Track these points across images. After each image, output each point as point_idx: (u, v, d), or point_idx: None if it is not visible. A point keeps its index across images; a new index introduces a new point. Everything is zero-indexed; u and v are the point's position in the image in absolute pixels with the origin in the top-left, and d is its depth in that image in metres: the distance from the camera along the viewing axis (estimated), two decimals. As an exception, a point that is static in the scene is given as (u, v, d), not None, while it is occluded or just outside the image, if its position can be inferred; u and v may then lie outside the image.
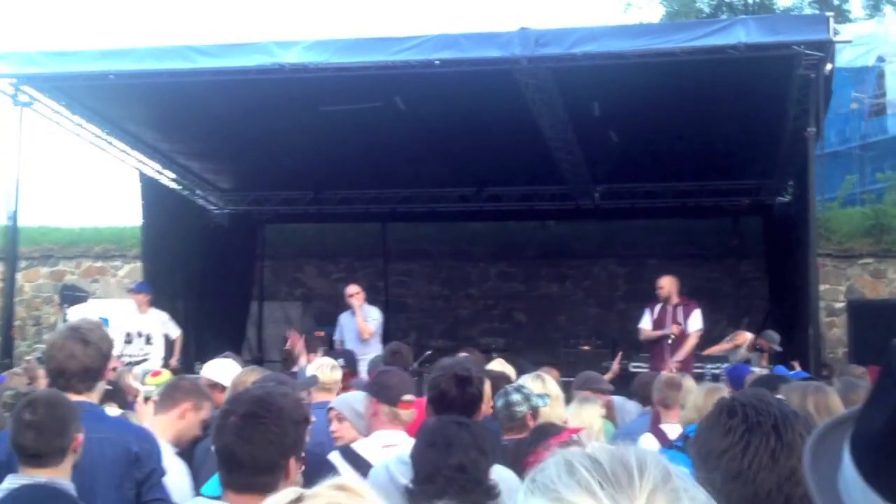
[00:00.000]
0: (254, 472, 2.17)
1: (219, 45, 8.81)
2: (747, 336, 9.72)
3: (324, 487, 1.31)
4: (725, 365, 9.20)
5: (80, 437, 2.74)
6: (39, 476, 2.63)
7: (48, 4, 47.46)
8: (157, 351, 9.82)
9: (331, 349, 11.00)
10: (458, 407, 3.27)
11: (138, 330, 9.73)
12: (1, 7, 41.24)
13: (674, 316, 8.96)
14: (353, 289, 9.82)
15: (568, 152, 10.49)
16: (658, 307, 9.11)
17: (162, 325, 10.02)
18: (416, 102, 9.21)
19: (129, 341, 9.67)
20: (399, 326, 13.08)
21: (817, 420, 3.11)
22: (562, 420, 4.28)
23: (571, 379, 8.65)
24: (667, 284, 9.08)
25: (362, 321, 9.47)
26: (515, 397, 3.93)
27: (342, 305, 10.26)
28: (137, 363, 8.92)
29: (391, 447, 3.50)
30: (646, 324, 9.19)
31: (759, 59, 7.67)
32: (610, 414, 5.65)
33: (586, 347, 11.24)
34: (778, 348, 9.51)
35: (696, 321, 9.00)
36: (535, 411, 3.97)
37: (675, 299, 9.05)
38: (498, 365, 5.85)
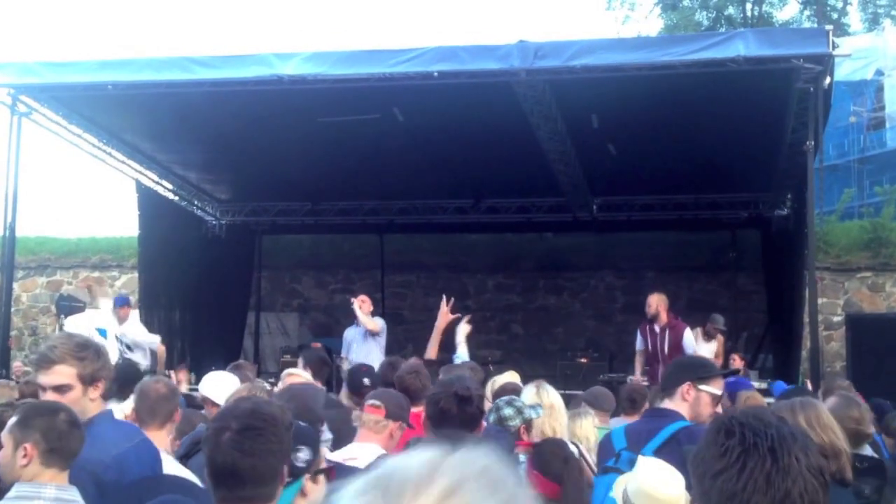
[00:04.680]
0: (257, 484, 2.17)
1: (217, 57, 8.80)
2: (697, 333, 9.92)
3: None
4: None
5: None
6: (49, 484, 2.64)
7: (47, 15, 47.58)
8: (139, 361, 9.77)
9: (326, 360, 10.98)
10: (458, 425, 3.22)
11: (122, 334, 9.71)
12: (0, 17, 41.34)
13: (662, 337, 8.89)
14: (363, 297, 9.77)
15: (566, 164, 10.49)
16: (647, 328, 9.08)
17: (138, 333, 9.96)
18: (415, 114, 9.21)
19: (117, 344, 9.68)
20: (396, 338, 13.01)
21: (813, 435, 3.08)
22: (561, 431, 4.24)
23: (567, 392, 8.69)
24: (654, 302, 8.97)
25: (367, 319, 9.33)
26: (508, 411, 3.86)
27: (339, 317, 10.21)
28: None
29: (350, 461, 3.48)
30: (639, 346, 9.21)
31: (758, 72, 7.67)
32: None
33: (584, 360, 11.20)
34: (721, 328, 9.87)
35: (690, 343, 8.92)
36: (528, 424, 3.92)
37: (663, 318, 8.92)
38: (510, 377, 5.77)
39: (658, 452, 3.28)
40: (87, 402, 2.97)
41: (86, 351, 2.98)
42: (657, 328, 8.96)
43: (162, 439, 3.61)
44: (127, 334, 9.75)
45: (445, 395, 3.31)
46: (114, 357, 8.85)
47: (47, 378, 2.92)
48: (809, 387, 7.26)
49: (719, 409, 3.91)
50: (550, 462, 3.09)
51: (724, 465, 1.51)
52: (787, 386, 6.47)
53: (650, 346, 8.99)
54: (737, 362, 10.59)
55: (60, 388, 2.91)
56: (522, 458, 3.81)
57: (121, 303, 10.18)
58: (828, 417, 3.24)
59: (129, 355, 9.56)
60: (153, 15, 51.63)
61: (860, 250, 12.75)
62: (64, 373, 2.91)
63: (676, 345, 8.82)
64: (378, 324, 9.37)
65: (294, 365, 10.88)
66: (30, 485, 2.64)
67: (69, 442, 2.68)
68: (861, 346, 10.28)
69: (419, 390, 4.75)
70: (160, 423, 3.66)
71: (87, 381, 2.96)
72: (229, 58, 8.79)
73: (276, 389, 6.80)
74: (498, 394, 4.94)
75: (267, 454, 2.19)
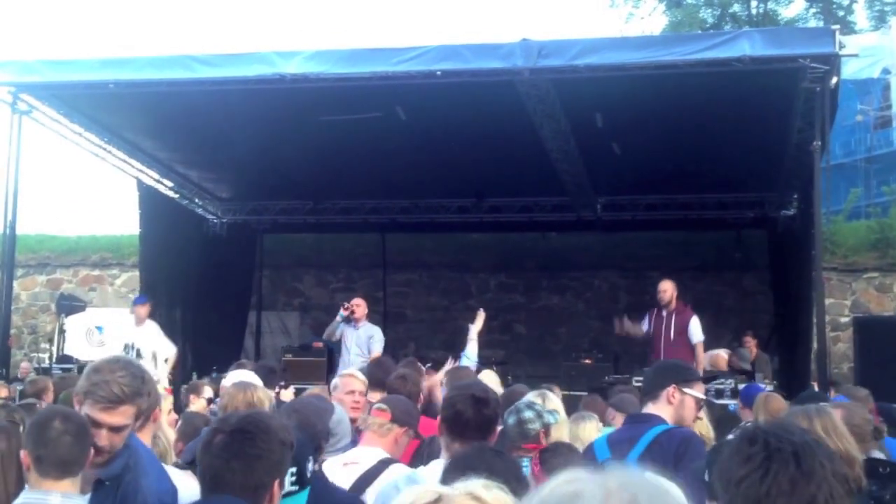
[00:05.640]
0: (240, 490, 2.12)
1: (219, 55, 8.74)
2: (724, 357, 9.75)
3: (459, 493, 1.34)
4: (729, 381, 9.12)
5: (92, 450, 2.69)
6: (54, 491, 2.57)
7: (48, 13, 47.56)
8: (146, 366, 9.71)
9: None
10: (474, 428, 3.20)
11: (132, 342, 9.64)
12: (1, 15, 41.33)
13: (668, 322, 8.99)
14: (358, 300, 9.70)
15: (569, 164, 10.42)
16: (655, 312, 9.17)
17: (155, 339, 9.88)
18: (417, 113, 9.15)
19: (125, 352, 9.60)
20: (398, 337, 12.96)
21: (828, 442, 3.04)
22: (566, 439, 4.19)
23: (571, 393, 8.65)
24: (669, 288, 9.14)
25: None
26: (528, 414, 3.79)
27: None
28: None
29: (351, 465, 3.48)
30: (643, 325, 9.29)
31: (764, 71, 7.59)
32: None
33: (588, 361, 11.10)
34: (747, 367, 9.79)
35: (696, 331, 9.02)
36: (546, 429, 3.85)
37: (673, 304, 9.10)
38: (487, 377, 5.73)
39: (642, 459, 3.24)
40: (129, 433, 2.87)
41: (147, 385, 2.82)
42: (664, 312, 9.05)
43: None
44: (138, 342, 9.65)
45: (462, 397, 3.29)
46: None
47: (111, 418, 2.69)
48: (816, 389, 7.20)
49: (701, 415, 3.88)
50: (565, 467, 3.06)
51: (747, 471, 1.51)
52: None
53: (654, 329, 9.08)
54: (749, 343, 10.64)
55: (120, 429, 2.72)
56: (526, 461, 3.76)
57: (139, 301, 10.06)
58: (842, 425, 3.21)
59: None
60: (154, 14, 51.61)
61: (867, 250, 12.65)
62: (127, 413, 2.72)
63: (682, 329, 8.95)
64: (379, 349, 9.26)
65: (298, 365, 10.93)
66: (35, 492, 2.60)
67: (57, 450, 2.57)
68: (868, 347, 10.19)
69: (408, 396, 4.72)
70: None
71: (138, 417, 2.82)
72: (231, 56, 8.74)
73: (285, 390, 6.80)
74: (505, 398, 4.89)
75: (254, 460, 2.15)
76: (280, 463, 2.23)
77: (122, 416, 2.70)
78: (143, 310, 9.85)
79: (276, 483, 2.20)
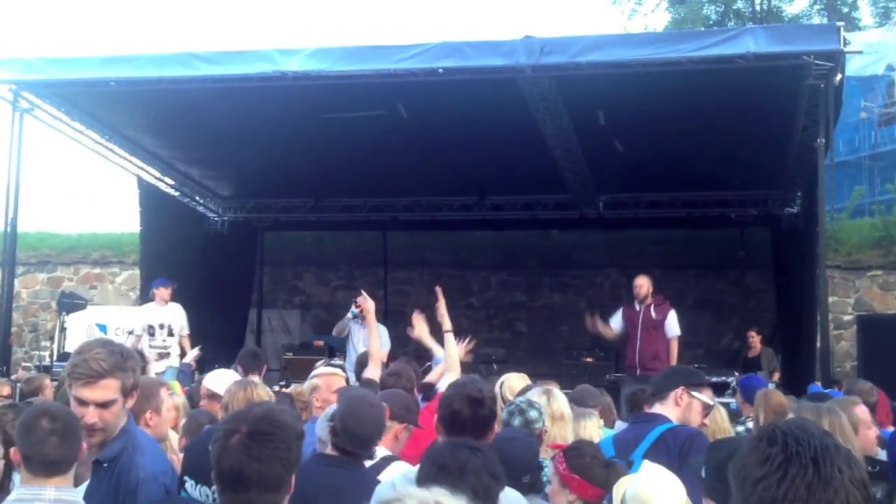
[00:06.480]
0: (263, 489, 2.13)
1: (221, 53, 8.72)
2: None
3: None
4: (731, 378, 9.09)
5: (85, 446, 2.70)
6: (48, 486, 2.58)
7: (49, 11, 47.55)
8: (178, 342, 9.76)
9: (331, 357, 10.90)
10: (471, 428, 3.19)
11: (160, 322, 9.63)
12: (2, 13, 41.33)
13: (646, 315, 8.96)
14: (366, 297, 9.64)
15: (572, 161, 10.38)
16: (629, 309, 9.15)
17: (180, 318, 9.87)
18: (419, 110, 9.12)
19: (151, 333, 9.59)
20: (398, 336, 12.87)
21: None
22: (568, 439, 4.16)
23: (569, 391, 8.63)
24: (645, 283, 9.11)
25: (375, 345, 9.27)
26: (533, 413, 3.85)
27: (341, 314, 10.13)
28: (161, 355, 9.29)
29: None
30: (614, 322, 9.23)
31: (768, 68, 7.56)
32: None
33: (589, 359, 11.08)
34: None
35: (673, 326, 8.99)
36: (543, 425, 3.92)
37: (649, 299, 9.07)
38: (519, 380, 5.66)
39: (647, 456, 3.27)
40: (124, 414, 2.87)
41: (129, 361, 2.85)
42: (640, 306, 9.04)
43: None
44: (167, 319, 9.64)
45: (458, 397, 3.29)
46: (143, 342, 9.28)
47: (93, 394, 2.74)
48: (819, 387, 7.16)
49: (706, 421, 3.90)
50: (592, 466, 3.08)
51: (764, 472, 1.50)
52: (821, 388, 6.38)
53: (629, 322, 9.04)
54: (754, 339, 10.62)
55: (106, 404, 2.75)
56: (547, 461, 3.74)
57: (161, 283, 9.96)
58: (849, 428, 3.21)
59: (167, 340, 9.58)
60: (155, 12, 51.62)
61: (871, 248, 12.60)
62: (110, 387, 2.76)
63: (660, 322, 8.94)
64: (386, 350, 9.18)
65: (299, 363, 10.90)
66: (30, 487, 2.59)
67: (43, 450, 2.56)
68: (872, 345, 10.13)
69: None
70: None
71: (127, 392, 2.84)
72: (232, 54, 8.72)
73: (287, 389, 6.75)
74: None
75: (273, 460, 2.16)
76: (297, 458, 2.25)
77: (104, 389, 2.75)
78: (167, 292, 9.82)
79: (293, 477, 2.23)
